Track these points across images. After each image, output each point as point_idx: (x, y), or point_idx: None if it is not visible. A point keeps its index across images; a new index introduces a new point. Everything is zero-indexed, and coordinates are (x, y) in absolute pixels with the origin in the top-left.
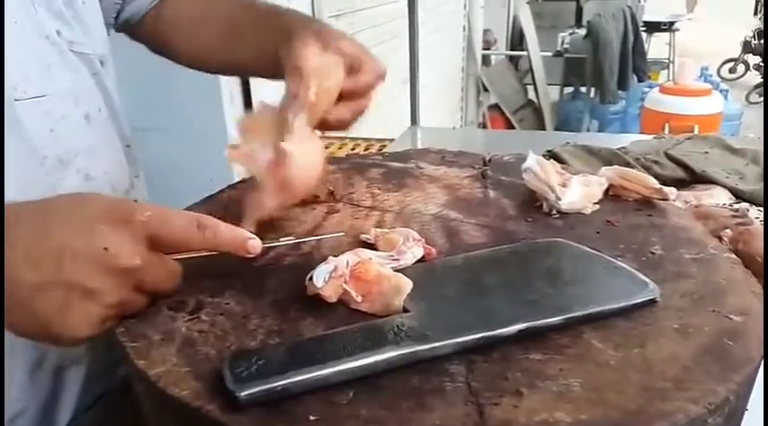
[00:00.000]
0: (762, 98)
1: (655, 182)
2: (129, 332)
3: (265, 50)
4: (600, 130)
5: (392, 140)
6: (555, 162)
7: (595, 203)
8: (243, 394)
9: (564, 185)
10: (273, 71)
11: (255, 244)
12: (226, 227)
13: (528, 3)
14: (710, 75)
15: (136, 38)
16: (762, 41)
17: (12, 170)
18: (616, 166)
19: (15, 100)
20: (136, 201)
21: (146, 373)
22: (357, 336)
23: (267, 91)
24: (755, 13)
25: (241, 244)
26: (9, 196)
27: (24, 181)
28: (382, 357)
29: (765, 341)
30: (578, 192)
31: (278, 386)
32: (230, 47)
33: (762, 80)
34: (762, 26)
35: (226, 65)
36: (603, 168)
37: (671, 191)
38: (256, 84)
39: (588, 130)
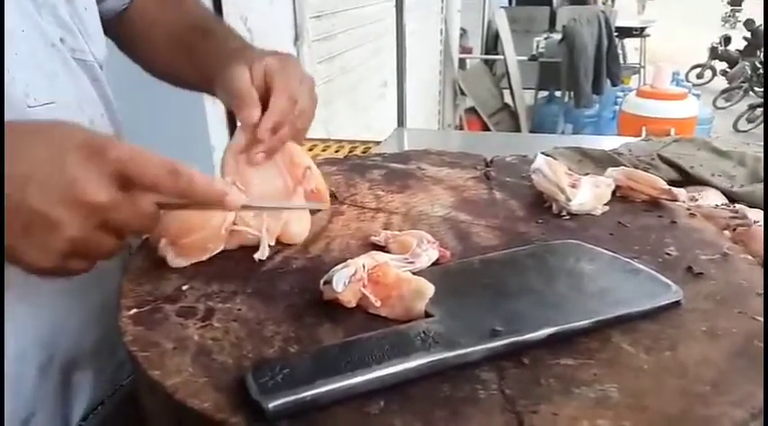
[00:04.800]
0: (728, 103)
1: (663, 183)
2: (139, 340)
3: (205, 74)
4: (574, 133)
5: (377, 143)
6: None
7: (604, 204)
8: (271, 405)
9: (573, 186)
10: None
11: (235, 200)
12: (203, 178)
13: (502, 7)
14: (682, 80)
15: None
16: (727, 48)
17: None
18: (623, 167)
19: (28, 106)
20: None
21: (161, 384)
22: (383, 343)
23: None
24: None
25: (218, 197)
26: None
27: None
28: (411, 364)
29: (765, 344)
30: (589, 193)
31: (307, 396)
32: (171, 63)
33: (727, 86)
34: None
35: (167, 76)
36: (610, 169)
37: (680, 192)
38: None
39: (563, 133)
